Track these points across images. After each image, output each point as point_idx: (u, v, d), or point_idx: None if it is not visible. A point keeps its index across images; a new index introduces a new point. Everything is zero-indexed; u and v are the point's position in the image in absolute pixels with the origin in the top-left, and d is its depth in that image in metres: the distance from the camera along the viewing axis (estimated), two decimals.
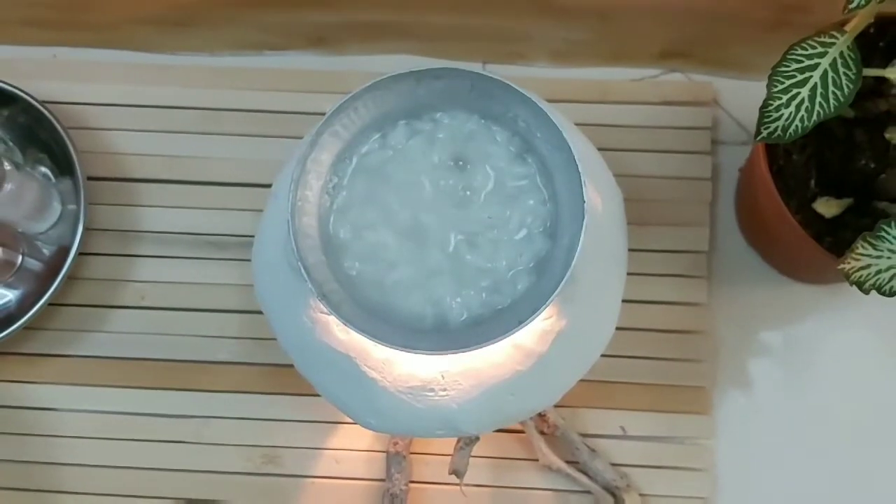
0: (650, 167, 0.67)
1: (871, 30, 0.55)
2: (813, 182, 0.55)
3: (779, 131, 0.45)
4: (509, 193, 0.45)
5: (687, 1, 0.68)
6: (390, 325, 0.44)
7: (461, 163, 0.46)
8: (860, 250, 0.43)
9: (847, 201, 0.54)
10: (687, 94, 0.69)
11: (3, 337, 0.63)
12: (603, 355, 0.50)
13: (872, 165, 0.54)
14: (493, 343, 0.42)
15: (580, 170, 0.42)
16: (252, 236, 0.52)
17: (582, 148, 0.48)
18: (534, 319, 0.42)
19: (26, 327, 0.63)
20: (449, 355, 0.46)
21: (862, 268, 0.43)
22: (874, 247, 0.43)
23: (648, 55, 0.70)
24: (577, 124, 0.50)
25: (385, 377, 0.47)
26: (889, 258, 0.43)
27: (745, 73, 0.69)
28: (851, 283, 0.43)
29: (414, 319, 0.45)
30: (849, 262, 0.44)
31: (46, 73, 0.70)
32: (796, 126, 0.44)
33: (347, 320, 0.42)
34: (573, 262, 0.42)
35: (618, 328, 0.50)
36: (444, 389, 0.47)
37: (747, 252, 0.66)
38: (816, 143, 0.55)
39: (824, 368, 0.64)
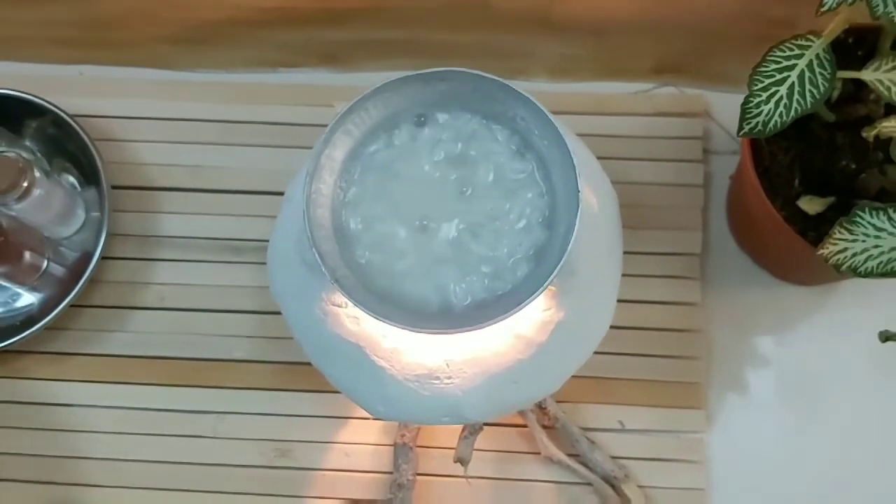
0: (645, 175, 0.70)
1: (850, 39, 0.58)
2: (797, 181, 0.58)
3: (759, 126, 0.48)
4: (509, 187, 0.48)
5: (678, 18, 0.71)
6: (398, 309, 0.47)
7: (464, 159, 0.48)
8: (837, 235, 0.46)
9: (829, 200, 0.57)
10: (679, 106, 0.72)
11: (25, 336, 0.65)
12: (601, 352, 0.53)
13: (853, 166, 0.57)
14: (494, 322, 0.44)
15: (575, 162, 0.45)
16: (266, 241, 0.55)
17: (579, 151, 0.51)
18: (532, 300, 0.44)
19: (51, 328, 0.66)
20: (453, 341, 0.49)
21: (839, 251, 0.46)
22: (850, 231, 0.46)
23: (642, 70, 0.73)
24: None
25: (393, 366, 0.49)
26: (864, 241, 0.45)
27: (734, 87, 0.71)
28: (829, 265, 0.46)
29: (420, 304, 0.47)
30: (827, 248, 0.47)
31: (73, 89, 0.74)
32: (775, 121, 0.48)
33: (358, 302, 0.44)
34: (569, 249, 0.44)
35: (615, 327, 0.53)
36: (450, 377, 0.49)
37: (738, 255, 0.69)
38: (800, 145, 0.59)
39: (813, 365, 0.67)
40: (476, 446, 0.62)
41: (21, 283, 0.69)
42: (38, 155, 0.71)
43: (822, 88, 0.48)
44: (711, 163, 0.71)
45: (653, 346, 0.67)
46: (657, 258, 0.68)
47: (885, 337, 0.49)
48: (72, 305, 0.67)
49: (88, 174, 0.70)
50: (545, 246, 0.47)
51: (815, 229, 0.56)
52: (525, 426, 0.65)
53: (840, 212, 0.57)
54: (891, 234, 0.45)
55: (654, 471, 0.65)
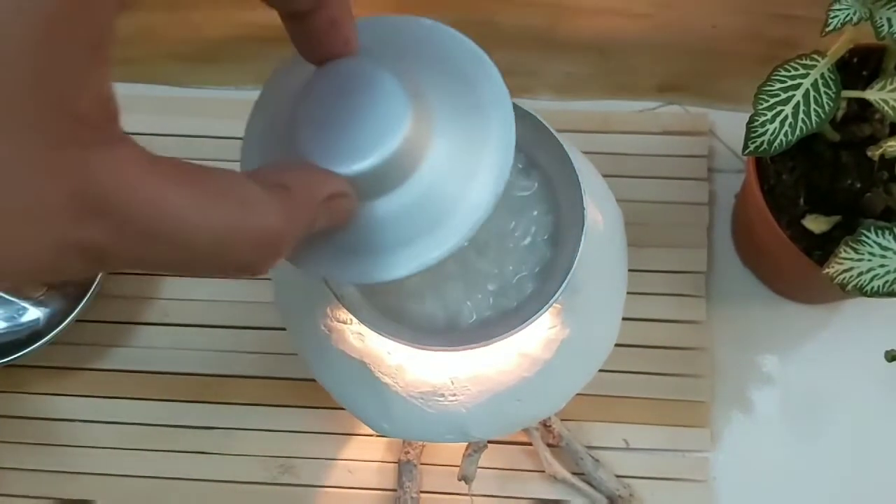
0: (650, 193, 0.70)
1: (855, 59, 0.59)
2: (802, 200, 0.58)
3: (765, 145, 0.48)
4: (514, 205, 0.48)
5: (682, 37, 0.71)
6: (403, 326, 0.47)
7: None
8: (843, 255, 0.46)
9: (835, 219, 0.57)
10: (684, 124, 0.72)
11: (30, 351, 0.65)
12: (606, 370, 0.53)
13: (858, 185, 0.57)
14: (500, 339, 0.44)
15: (579, 179, 0.45)
16: None
17: (584, 168, 0.51)
18: (538, 318, 0.44)
19: (55, 342, 0.66)
20: (458, 358, 0.49)
21: (845, 271, 0.46)
22: (856, 251, 0.46)
23: (647, 88, 0.74)
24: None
25: (397, 382, 0.49)
26: (870, 261, 0.45)
27: (738, 105, 0.72)
28: (835, 284, 0.46)
29: (426, 321, 0.47)
30: (833, 267, 0.47)
31: None
32: (781, 140, 0.48)
33: (363, 319, 0.44)
34: (574, 266, 0.44)
35: (620, 345, 0.53)
36: (454, 395, 0.49)
37: (743, 273, 0.69)
38: (805, 164, 0.59)
39: (818, 384, 0.67)
40: (480, 464, 0.62)
41: (27, 298, 0.69)
42: None
43: (827, 108, 0.48)
44: (716, 181, 0.72)
45: (658, 365, 0.67)
46: (662, 276, 0.68)
47: (892, 356, 0.49)
48: (77, 321, 0.67)
49: None
50: (550, 264, 0.48)
51: (821, 248, 0.56)
52: (529, 444, 0.65)
53: (846, 230, 0.57)
54: None
55: (659, 490, 0.64)
